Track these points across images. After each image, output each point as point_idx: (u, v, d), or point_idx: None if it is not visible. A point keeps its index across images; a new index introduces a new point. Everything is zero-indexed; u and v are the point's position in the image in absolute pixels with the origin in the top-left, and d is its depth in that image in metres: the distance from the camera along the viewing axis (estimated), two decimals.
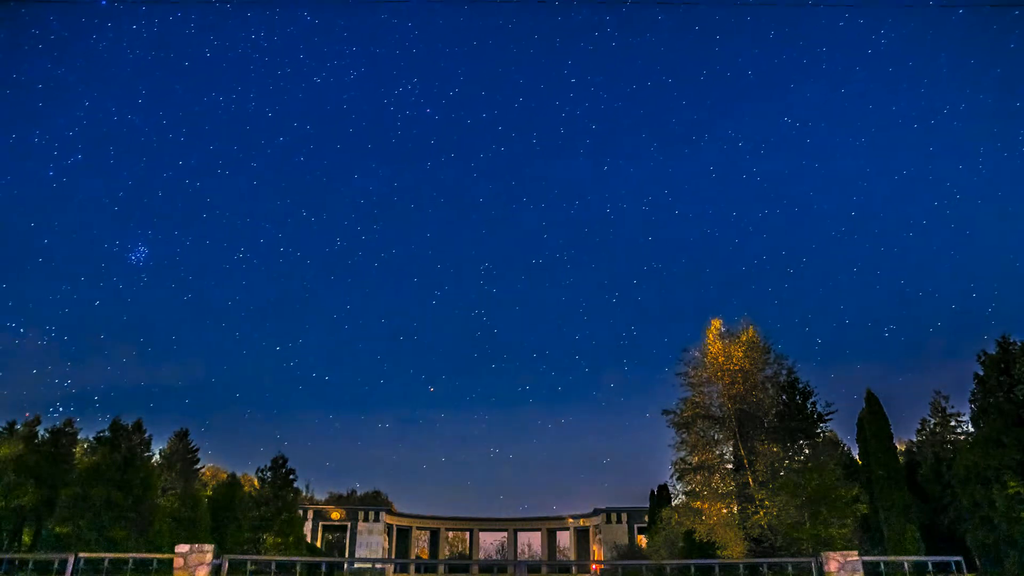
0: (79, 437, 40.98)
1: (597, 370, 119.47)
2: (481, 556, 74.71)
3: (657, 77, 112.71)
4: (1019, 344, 28.37)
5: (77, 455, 40.30)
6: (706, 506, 29.85)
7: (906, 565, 19.95)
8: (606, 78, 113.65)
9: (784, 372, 32.53)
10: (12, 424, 37.46)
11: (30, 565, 19.73)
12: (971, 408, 30.24)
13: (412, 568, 64.45)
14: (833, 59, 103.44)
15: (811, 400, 32.27)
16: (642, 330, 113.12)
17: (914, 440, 39.03)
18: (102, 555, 17.82)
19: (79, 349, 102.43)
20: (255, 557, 32.43)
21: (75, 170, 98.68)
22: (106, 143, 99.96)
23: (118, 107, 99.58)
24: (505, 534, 75.44)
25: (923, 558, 22.56)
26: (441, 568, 67.52)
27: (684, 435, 32.24)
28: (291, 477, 43.24)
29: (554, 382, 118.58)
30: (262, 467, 43.39)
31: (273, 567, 19.39)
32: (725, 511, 29.63)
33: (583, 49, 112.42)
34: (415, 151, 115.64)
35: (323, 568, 17.86)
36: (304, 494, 61.71)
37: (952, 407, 36.93)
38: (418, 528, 70.95)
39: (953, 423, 36.69)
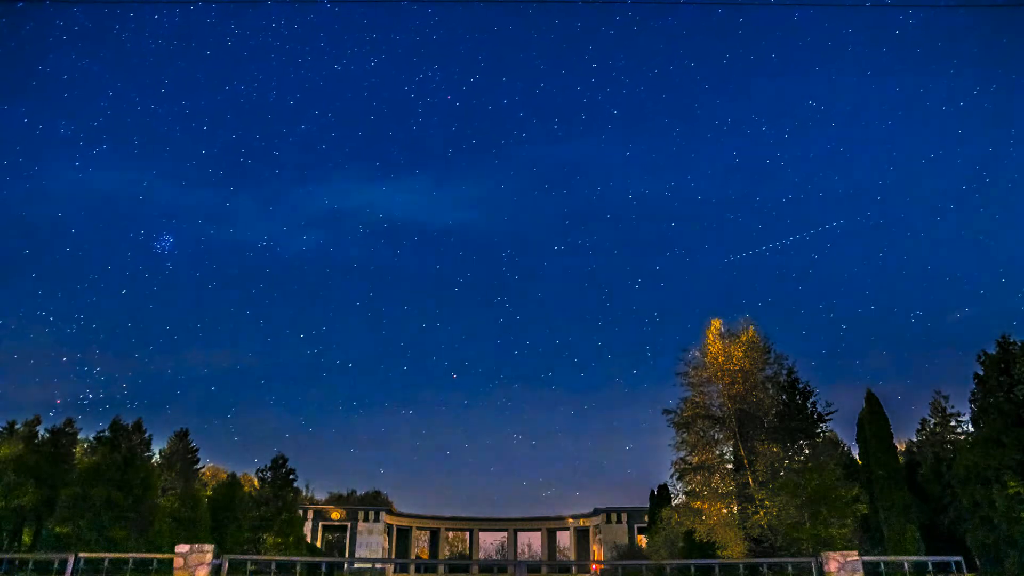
0: (79, 437, 41.06)
1: (620, 356, 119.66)
2: (481, 556, 74.68)
3: (679, 61, 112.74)
4: (1019, 344, 28.36)
5: (77, 455, 40.34)
6: (706, 506, 29.84)
7: (906, 565, 19.93)
8: (628, 62, 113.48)
9: (784, 372, 32.57)
10: (12, 424, 37.51)
11: (30, 565, 19.74)
12: (971, 408, 30.25)
13: (412, 568, 64.42)
14: (859, 40, 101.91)
15: (811, 400, 32.31)
16: (665, 316, 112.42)
17: (914, 440, 39.05)
18: (102, 555, 17.80)
19: (107, 337, 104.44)
20: (255, 557, 32.42)
21: (100, 160, 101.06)
22: (130, 133, 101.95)
23: (141, 97, 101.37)
24: (505, 534, 75.41)
25: (923, 558, 22.53)
26: (441, 568, 67.50)
27: (684, 435, 32.25)
28: (291, 477, 43.29)
29: (577, 368, 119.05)
30: (262, 467, 43.53)
31: (273, 567, 19.37)
32: (725, 511, 29.62)
33: (604, 34, 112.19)
34: (436, 138, 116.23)
35: (323, 568, 17.85)
36: (304, 494, 61.79)
37: (952, 407, 37.01)
38: (418, 528, 70.93)
39: (953, 423, 36.71)
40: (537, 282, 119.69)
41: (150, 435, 39.64)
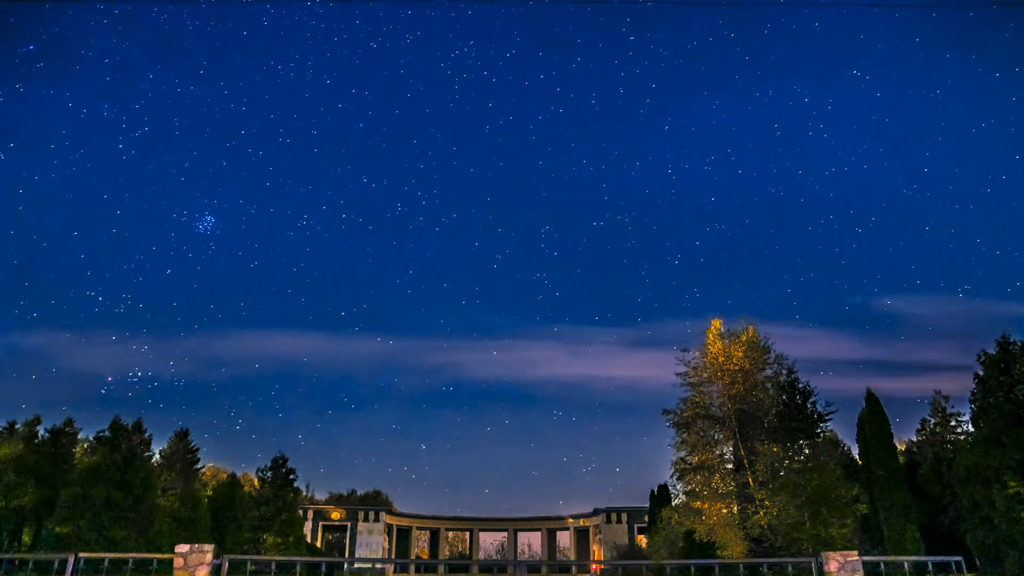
0: (79, 437, 41.09)
1: (659, 332, 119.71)
2: (481, 556, 74.71)
3: (719, 33, 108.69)
4: (1019, 344, 28.36)
5: (77, 455, 40.35)
6: (706, 506, 29.85)
7: (906, 565, 19.94)
8: (666, 35, 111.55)
9: (784, 372, 32.57)
10: (12, 424, 37.56)
11: (30, 565, 19.75)
12: (971, 408, 30.23)
13: (412, 568, 64.45)
14: (905, 7, 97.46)
15: (811, 400, 32.29)
16: (705, 292, 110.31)
17: (914, 440, 39.05)
18: (102, 555, 17.81)
19: (153, 316, 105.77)
20: (255, 557, 32.42)
21: (142, 142, 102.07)
22: (170, 115, 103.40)
23: (181, 79, 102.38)
24: (505, 534, 75.44)
25: (923, 558, 22.53)
26: (441, 568, 67.51)
27: (684, 435, 32.25)
28: (291, 477, 43.31)
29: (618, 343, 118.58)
30: (262, 467, 43.57)
31: (273, 567, 19.38)
32: (725, 511, 29.64)
33: (642, 6, 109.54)
34: (473, 115, 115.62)
35: (323, 568, 17.86)
36: (304, 494, 61.71)
37: (952, 407, 37.03)
38: (418, 528, 70.95)
39: (953, 423, 36.72)
40: (576, 258, 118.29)
41: (150, 435, 39.73)
